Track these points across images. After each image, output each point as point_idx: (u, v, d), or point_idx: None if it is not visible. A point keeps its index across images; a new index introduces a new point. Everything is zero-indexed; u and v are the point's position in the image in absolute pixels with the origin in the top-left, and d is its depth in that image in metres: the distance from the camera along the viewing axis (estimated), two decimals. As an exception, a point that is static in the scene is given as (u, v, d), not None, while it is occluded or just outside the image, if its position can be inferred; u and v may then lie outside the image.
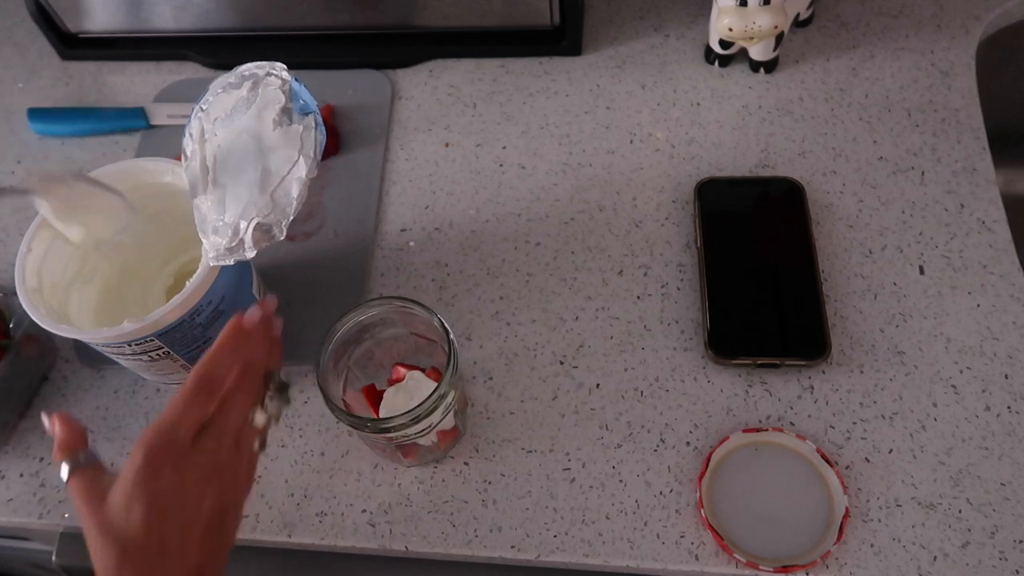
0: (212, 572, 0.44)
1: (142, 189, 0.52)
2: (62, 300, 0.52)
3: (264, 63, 0.48)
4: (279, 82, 0.47)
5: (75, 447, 0.44)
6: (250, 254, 0.46)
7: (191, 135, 0.49)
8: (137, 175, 0.53)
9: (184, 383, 0.43)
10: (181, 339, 0.49)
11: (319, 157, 0.46)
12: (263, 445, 0.47)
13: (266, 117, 0.46)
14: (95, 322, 0.53)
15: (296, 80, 0.47)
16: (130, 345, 0.48)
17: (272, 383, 0.46)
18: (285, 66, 0.48)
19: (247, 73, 0.48)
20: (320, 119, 0.47)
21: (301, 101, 0.47)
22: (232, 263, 0.47)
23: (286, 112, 0.46)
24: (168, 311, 0.47)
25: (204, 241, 0.47)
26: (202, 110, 0.49)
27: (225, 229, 0.46)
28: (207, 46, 0.74)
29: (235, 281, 0.52)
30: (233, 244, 0.46)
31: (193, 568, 0.42)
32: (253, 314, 0.46)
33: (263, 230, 0.46)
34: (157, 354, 0.50)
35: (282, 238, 0.46)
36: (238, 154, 0.47)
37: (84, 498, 0.43)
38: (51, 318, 0.48)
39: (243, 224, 0.46)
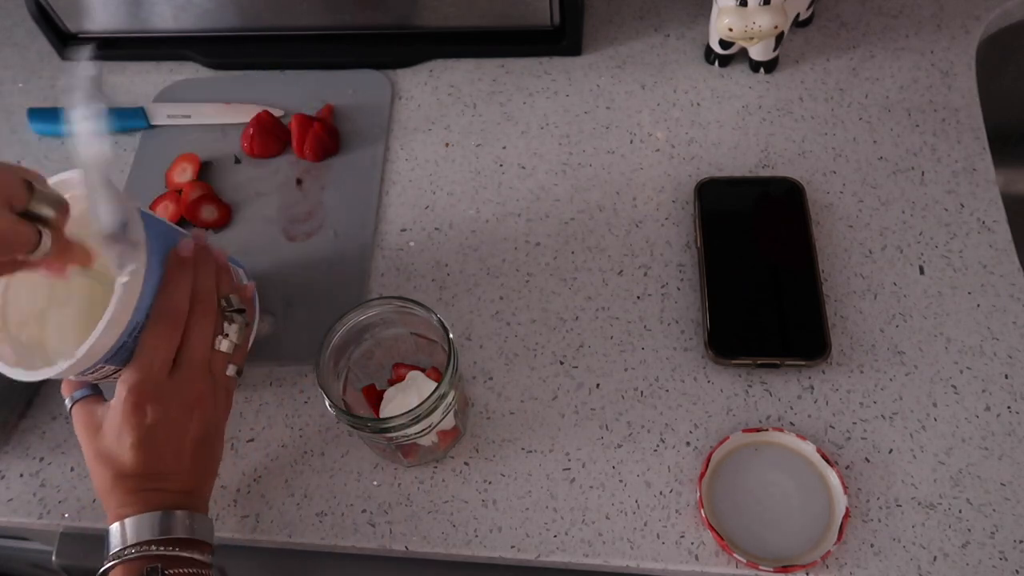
0: (201, 493, 0.49)
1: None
2: (36, 330, 0.50)
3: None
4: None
5: (74, 384, 0.50)
6: (132, 264, 0.44)
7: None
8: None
9: (147, 323, 0.46)
10: (131, 355, 0.47)
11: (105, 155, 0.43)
12: (239, 371, 0.51)
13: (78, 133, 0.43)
14: (79, 340, 0.48)
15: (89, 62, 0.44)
16: (85, 374, 0.47)
17: (229, 308, 0.50)
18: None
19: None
20: (100, 108, 0.43)
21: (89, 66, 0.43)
22: (127, 275, 0.44)
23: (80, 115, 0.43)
24: (98, 338, 0.44)
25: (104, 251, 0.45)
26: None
27: (103, 248, 0.44)
28: (207, 46, 0.74)
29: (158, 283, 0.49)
30: (116, 260, 0.44)
31: (183, 490, 0.47)
32: (186, 244, 0.49)
33: (121, 240, 0.44)
34: (118, 374, 0.48)
35: (142, 239, 0.44)
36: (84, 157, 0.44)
37: (82, 427, 0.48)
38: (16, 357, 0.47)
39: (103, 242, 0.44)
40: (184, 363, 0.47)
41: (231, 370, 0.50)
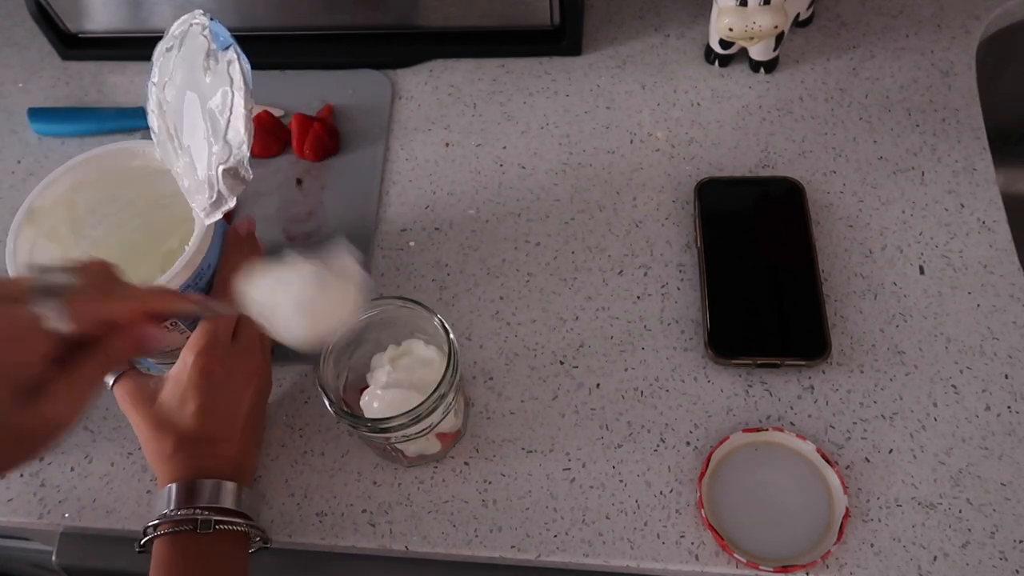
0: (249, 465, 0.51)
1: (113, 176, 0.52)
2: None
3: (186, 16, 0.48)
4: (200, 28, 0.47)
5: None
6: (231, 202, 0.47)
7: (152, 111, 0.49)
8: (107, 162, 0.52)
9: (212, 292, 0.49)
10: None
11: (250, 84, 0.45)
12: (272, 350, 0.53)
13: (197, 65, 0.46)
14: None
15: (211, 19, 0.47)
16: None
17: None
18: (202, 10, 0.48)
19: (177, 32, 0.48)
20: (239, 48, 0.46)
21: (220, 37, 0.47)
22: (220, 216, 0.48)
23: (210, 55, 0.46)
24: (175, 274, 0.47)
25: (192, 204, 0.48)
26: (153, 83, 0.49)
27: (202, 186, 0.47)
28: (207, 46, 0.74)
29: (221, 246, 0.53)
30: (214, 198, 0.47)
31: (234, 458, 0.49)
32: (243, 223, 0.53)
33: (232, 175, 0.46)
34: (164, 327, 0.50)
35: (251, 177, 0.47)
36: (187, 112, 0.47)
37: (133, 398, 0.49)
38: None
39: (213, 176, 0.46)
40: (242, 334, 0.50)
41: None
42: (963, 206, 0.62)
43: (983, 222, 0.61)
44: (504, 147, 0.68)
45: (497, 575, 0.54)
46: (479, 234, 0.64)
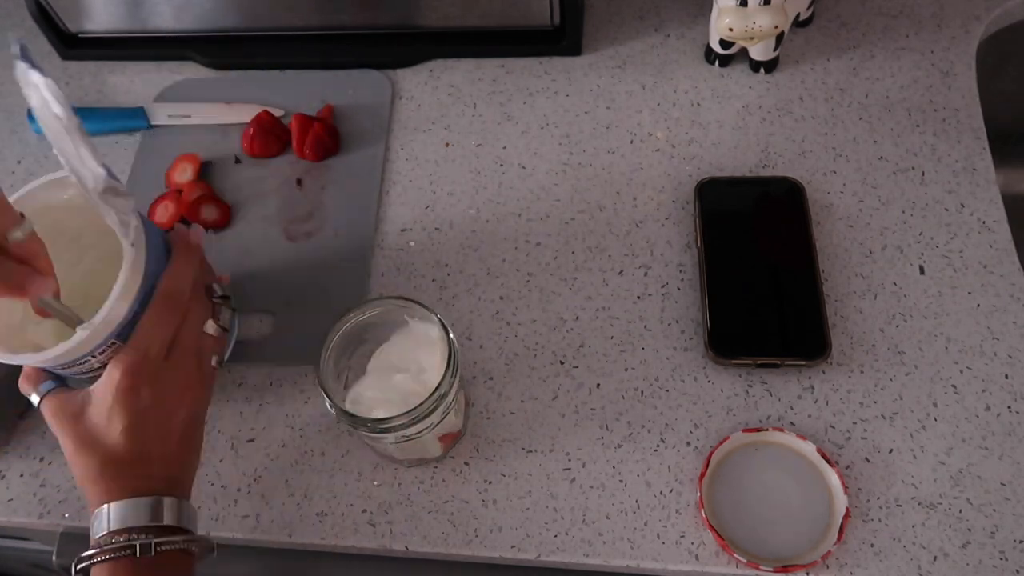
0: (185, 480, 0.48)
1: (52, 211, 0.49)
2: (19, 342, 0.49)
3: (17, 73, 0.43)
4: (19, 59, 0.41)
5: (40, 378, 0.48)
6: (133, 219, 0.45)
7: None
8: (40, 198, 0.50)
9: (150, 303, 0.46)
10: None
11: (58, 93, 0.41)
12: (221, 361, 0.52)
13: (32, 96, 0.41)
14: None
15: (17, 41, 0.42)
16: (94, 356, 0.46)
17: (216, 295, 0.51)
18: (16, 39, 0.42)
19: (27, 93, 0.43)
20: (30, 60, 0.41)
21: (24, 57, 0.41)
22: (132, 235, 0.45)
23: (27, 82, 0.41)
24: (114, 304, 0.45)
25: (107, 218, 0.44)
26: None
27: (104, 213, 0.44)
28: (207, 46, 0.74)
29: (164, 261, 0.49)
30: (116, 219, 0.44)
31: (168, 476, 0.46)
32: (198, 231, 0.51)
33: (113, 194, 0.43)
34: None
35: (126, 188, 0.44)
36: (57, 147, 0.43)
37: (59, 415, 0.46)
38: (6, 355, 0.46)
39: (100, 201, 0.43)
40: (178, 347, 0.47)
41: (214, 360, 0.51)
42: (963, 206, 0.62)
43: (983, 222, 0.61)
44: (504, 147, 0.68)
45: (497, 575, 0.54)
46: (479, 234, 0.64)
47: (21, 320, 0.50)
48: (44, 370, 0.48)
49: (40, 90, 0.41)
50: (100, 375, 0.47)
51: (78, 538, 0.57)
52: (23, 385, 0.48)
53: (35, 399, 0.48)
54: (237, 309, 0.54)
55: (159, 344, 0.46)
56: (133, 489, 0.44)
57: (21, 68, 0.41)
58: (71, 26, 0.74)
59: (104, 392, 0.45)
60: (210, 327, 0.50)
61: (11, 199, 0.47)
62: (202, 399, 0.49)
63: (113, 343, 0.46)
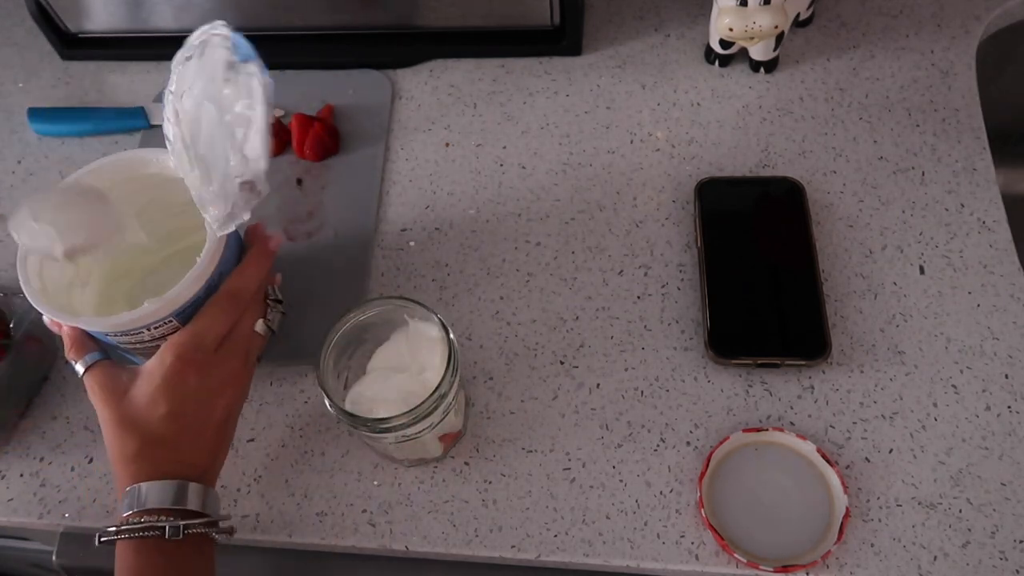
0: (213, 472, 0.49)
1: (126, 184, 0.52)
2: (65, 303, 0.51)
3: (207, 26, 0.48)
4: (221, 39, 0.47)
5: (88, 347, 0.48)
6: (246, 215, 0.47)
7: (168, 119, 0.49)
8: (120, 170, 0.52)
9: (214, 295, 0.48)
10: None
11: (271, 98, 0.46)
12: (258, 359, 0.52)
13: (217, 77, 0.46)
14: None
15: (233, 30, 0.47)
16: (149, 329, 0.48)
17: (272, 297, 0.53)
18: (224, 22, 0.48)
19: (197, 42, 0.48)
20: (261, 62, 0.46)
21: (241, 50, 0.46)
22: (234, 228, 0.48)
23: (231, 67, 0.46)
24: (186, 286, 0.47)
25: (205, 216, 0.48)
26: (171, 92, 0.49)
27: (216, 198, 0.47)
28: (207, 46, 0.74)
29: (235, 254, 0.52)
30: (228, 210, 0.47)
31: (200, 465, 0.47)
32: (277, 238, 0.53)
33: (248, 189, 0.46)
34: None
35: (267, 192, 0.47)
36: (205, 123, 0.47)
37: (103, 391, 0.47)
38: (65, 315, 0.48)
39: (228, 189, 0.46)
40: (231, 342, 0.49)
41: (255, 358, 0.52)
42: (963, 206, 0.62)
43: (983, 222, 0.61)
44: (504, 147, 0.68)
45: (497, 575, 0.54)
46: (479, 234, 0.64)
47: (68, 284, 0.52)
48: (91, 338, 0.49)
49: (255, 83, 0.45)
50: (149, 349, 0.49)
51: (78, 538, 0.57)
52: (69, 352, 0.49)
53: (80, 368, 0.48)
54: (287, 313, 0.55)
55: (214, 337, 0.48)
56: (165, 472, 0.45)
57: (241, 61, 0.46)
58: (71, 26, 0.74)
59: (153, 373, 0.46)
60: (260, 326, 0.51)
61: (92, 167, 0.52)
62: (241, 395, 0.50)
63: (170, 321, 0.48)
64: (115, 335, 0.48)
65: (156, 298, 0.47)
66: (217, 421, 0.48)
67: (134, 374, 0.47)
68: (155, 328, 0.48)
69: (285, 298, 0.55)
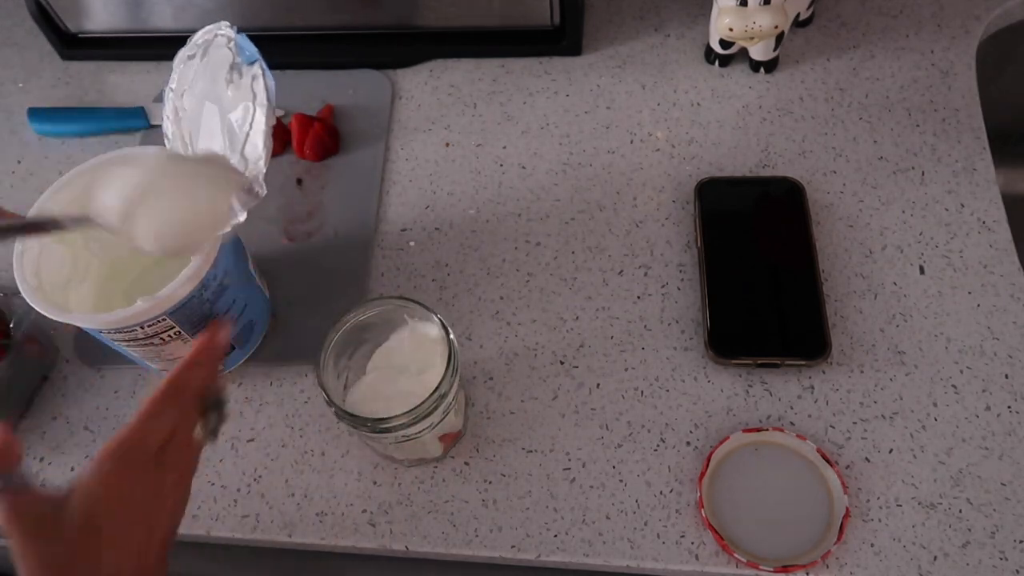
0: None
1: None
2: (61, 299, 0.51)
3: (211, 26, 0.48)
4: (225, 40, 0.47)
5: (13, 460, 0.37)
6: (241, 216, 0.46)
7: (167, 117, 0.49)
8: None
9: (152, 394, 0.40)
10: (190, 316, 0.49)
11: (274, 100, 0.46)
12: (195, 468, 0.43)
13: (219, 78, 0.46)
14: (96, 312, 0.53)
15: (237, 32, 0.47)
16: (142, 327, 0.48)
17: (211, 397, 0.43)
18: (228, 22, 0.48)
19: (200, 41, 0.48)
20: (264, 64, 0.46)
21: (246, 52, 0.47)
22: (229, 228, 0.46)
23: (234, 68, 0.46)
24: (180, 285, 0.47)
25: None
26: (171, 90, 0.49)
27: None
28: (207, 46, 0.74)
29: (235, 255, 0.52)
30: None
31: None
32: (228, 329, 0.45)
33: (246, 190, 0.46)
34: (168, 335, 0.50)
35: (264, 193, 0.46)
36: (204, 122, 0.47)
37: (21, 526, 0.36)
38: (58, 312, 0.48)
39: None
40: (174, 447, 0.40)
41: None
42: (963, 206, 0.62)
43: (983, 222, 0.61)
44: (504, 147, 0.68)
45: (497, 575, 0.54)
46: (479, 234, 0.64)
47: (66, 281, 0.52)
48: (17, 447, 0.37)
49: (259, 85, 0.45)
50: (143, 345, 0.48)
51: (78, 538, 0.57)
52: None
53: None
54: (228, 415, 0.45)
55: (153, 431, 0.39)
56: None
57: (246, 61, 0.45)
58: (71, 26, 0.74)
59: (89, 489, 0.37)
60: (200, 432, 0.42)
61: (90, 164, 0.50)
62: (185, 503, 0.42)
63: (164, 319, 0.48)
64: (109, 332, 0.48)
65: (149, 296, 0.47)
66: (158, 545, 0.39)
67: (59, 500, 0.36)
68: (148, 326, 0.48)
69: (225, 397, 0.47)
